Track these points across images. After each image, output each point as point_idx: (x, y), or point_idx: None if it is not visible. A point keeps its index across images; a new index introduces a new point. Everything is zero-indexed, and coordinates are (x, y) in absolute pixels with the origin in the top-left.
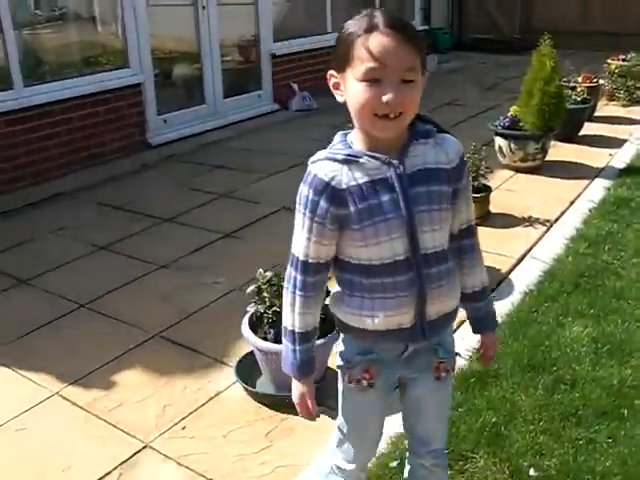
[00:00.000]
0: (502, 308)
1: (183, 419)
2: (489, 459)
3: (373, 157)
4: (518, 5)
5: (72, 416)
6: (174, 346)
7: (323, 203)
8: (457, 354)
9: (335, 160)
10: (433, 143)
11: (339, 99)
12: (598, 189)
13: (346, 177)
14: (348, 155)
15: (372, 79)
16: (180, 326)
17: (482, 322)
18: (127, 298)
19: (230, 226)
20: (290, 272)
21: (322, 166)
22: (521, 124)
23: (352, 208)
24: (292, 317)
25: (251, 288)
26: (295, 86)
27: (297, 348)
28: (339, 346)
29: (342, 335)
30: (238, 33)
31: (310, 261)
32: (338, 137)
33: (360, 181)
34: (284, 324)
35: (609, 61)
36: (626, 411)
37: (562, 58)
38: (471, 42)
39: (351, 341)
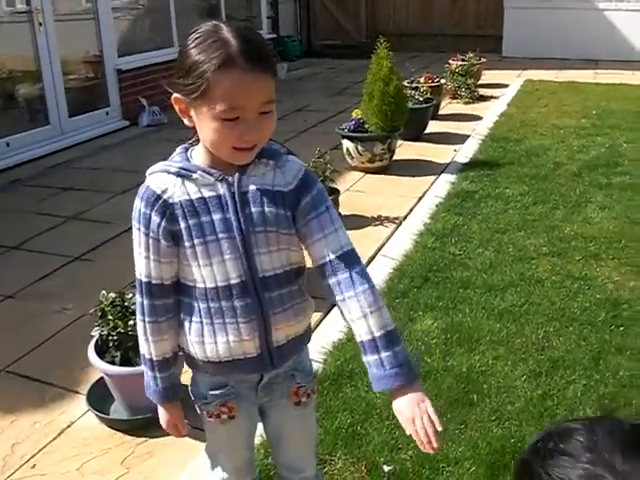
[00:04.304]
0: None
1: (33, 456)
2: (347, 459)
3: (207, 173)
4: (363, 10)
5: None
6: (22, 380)
7: (155, 217)
8: (315, 376)
9: (169, 172)
10: (274, 165)
11: (188, 124)
12: (444, 184)
13: (179, 191)
14: (181, 168)
15: (231, 118)
16: (28, 358)
17: (372, 380)
18: None
19: (80, 249)
20: (137, 299)
21: (156, 178)
22: (366, 126)
23: (182, 224)
24: (147, 346)
25: (92, 310)
26: (144, 101)
27: (157, 375)
28: (190, 381)
29: (192, 370)
30: (81, 49)
31: (153, 282)
32: (178, 150)
33: (193, 196)
34: (141, 351)
35: (450, 61)
36: (475, 396)
37: (406, 60)
38: (320, 48)
39: (202, 376)
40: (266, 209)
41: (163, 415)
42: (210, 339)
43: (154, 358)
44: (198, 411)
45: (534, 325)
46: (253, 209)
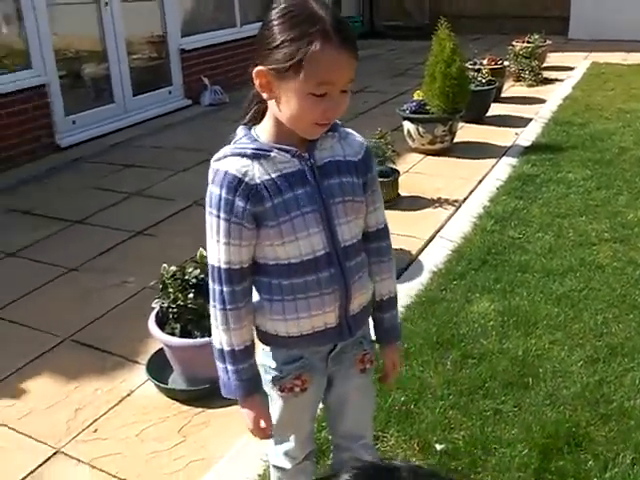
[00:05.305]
0: (411, 289)
1: (95, 421)
2: (399, 437)
3: (283, 150)
4: None
5: None
6: (85, 348)
7: (239, 201)
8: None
9: (244, 155)
10: (338, 137)
11: (265, 97)
12: (505, 167)
13: (258, 172)
14: (256, 149)
15: (320, 94)
16: (91, 328)
17: (384, 333)
18: (37, 303)
19: (142, 224)
20: (214, 288)
21: (231, 162)
22: (428, 107)
23: (268, 204)
24: (228, 336)
25: (153, 282)
26: (206, 80)
27: (239, 367)
28: (262, 358)
29: (264, 346)
30: (145, 29)
31: (234, 267)
32: (241, 131)
33: (273, 175)
34: (218, 346)
35: (514, 43)
36: (531, 380)
37: (468, 42)
38: (383, 29)
39: (276, 351)
40: (344, 179)
41: (249, 414)
42: (292, 315)
43: (236, 348)
44: (269, 388)
45: (593, 311)
46: (332, 180)
